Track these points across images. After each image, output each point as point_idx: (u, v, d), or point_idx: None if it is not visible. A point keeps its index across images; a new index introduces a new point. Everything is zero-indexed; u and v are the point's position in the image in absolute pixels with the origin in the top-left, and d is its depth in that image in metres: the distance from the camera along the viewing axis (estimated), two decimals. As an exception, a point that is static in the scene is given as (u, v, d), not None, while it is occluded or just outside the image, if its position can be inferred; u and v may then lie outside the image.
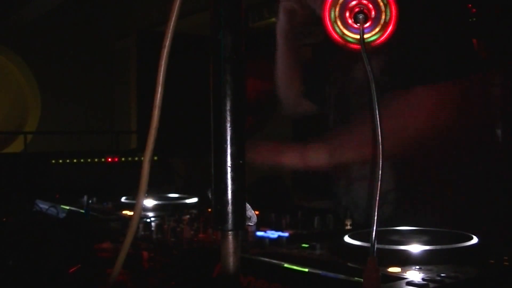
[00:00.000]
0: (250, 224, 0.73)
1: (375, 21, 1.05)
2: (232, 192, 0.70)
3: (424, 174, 1.54)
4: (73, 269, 1.20)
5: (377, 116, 0.86)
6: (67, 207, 1.72)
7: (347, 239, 1.08)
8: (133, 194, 1.15)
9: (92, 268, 1.21)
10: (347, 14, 1.07)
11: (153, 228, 1.30)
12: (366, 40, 1.03)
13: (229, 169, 0.70)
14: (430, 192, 1.56)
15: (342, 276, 0.89)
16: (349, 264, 0.98)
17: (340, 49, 1.13)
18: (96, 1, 6.39)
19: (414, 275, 0.89)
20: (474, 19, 2.41)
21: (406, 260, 0.97)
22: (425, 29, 1.46)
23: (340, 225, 1.37)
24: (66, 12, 6.11)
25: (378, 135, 0.85)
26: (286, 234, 1.21)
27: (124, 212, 1.59)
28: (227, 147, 0.70)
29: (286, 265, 0.96)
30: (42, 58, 6.26)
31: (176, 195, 1.87)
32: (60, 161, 2.96)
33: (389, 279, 0.87)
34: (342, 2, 1.07)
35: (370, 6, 1.05)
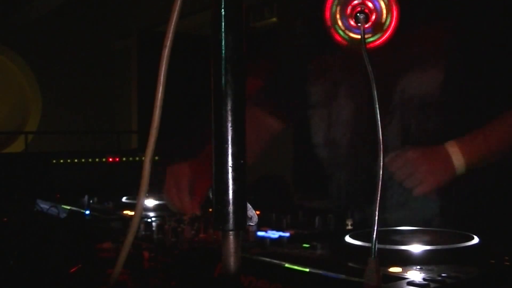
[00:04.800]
0: (251, 224, 0.73)
1: (376, 21, 1.05)
2: (233, 192, 0.70)
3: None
4: (74, 269, 1.20)
5: (378, 116, 0.86)
6: (68, 207, 1.72)
7: (348, 239, 1.08)
8: (134, 194, 1.15)
9: (93, 268, 1.21)
10: (348, 14, 1.07)
11: (154, 228, 1.30)
12: (367, 40, 1.03)
13: (230, 169, 0.70)
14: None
15: (343, 276, 0.89)
16: (350, 264, 0.98)
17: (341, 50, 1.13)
18: (96, 1, 6.39)
19: (415, 275, 0.89)
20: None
21: (407, 260, 0.97)
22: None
23: (341, 225, 1.37)
24: (67, 12, 6.11)
25: (379, 135, 0.85)
26: (287, 234, 1.21)
27: (125, 212, 1.60)
28: (228, 147, 0.70)
29: (287, 265, 0.96)
30: (43, 58, 6.26)
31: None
32: (61, 161, 2.96)
33: (390, 279, 0.87)
34: (343, 2, 1.07)
35: (371, 6, 1.05)
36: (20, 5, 5.68)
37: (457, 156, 1.38)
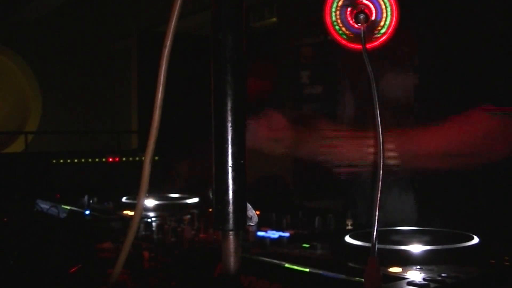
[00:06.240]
0: (251, 224, 0.73)
1: (376, 21, 1.05)
2: (233, 192, 0.70)
3: (425, 174, 1.54)
4: (74, 269, 1.20)
5: (378, 116, 0.86)
6: (68, 207, 1.72)
7: (348, 239, 1.08)
8: (134, 194, 1.15)
9: (93, 268, 1.21)
10: (348, 14, 1.07)
11: (154, 228, 1.30)
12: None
13: (230, 169, 0.70)
14: (431, 192, 1.56)
15: (343, 276, 0.89)
16: (350, 264, 0.98)
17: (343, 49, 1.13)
18: (96, 1, 6.39)
19: (415, 275, 0.89)
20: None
21: (407, 260, 0.97)
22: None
23: (341, 225, 1.37)
24: (67, 12, 6.11)
25: (379, 135, 0.85)
26: (287, 234, 1.21)
27: (125, 212, 1.60)
28: (228, 147, 0.70)
29: (287, 265, 0.96)
30: (43, 58, 6.26)
31: (177, 195, 1.87)
32: (61, 161, 2.96)
33: (390, 279, 0.87)
34: (343, 2, 1.07)
35: (371, 6, 1.05)
36: (20, 5, 5.68)
37: None
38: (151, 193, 1.58)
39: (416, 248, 0.99)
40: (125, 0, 6.43)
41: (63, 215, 1.68)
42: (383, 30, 1.12)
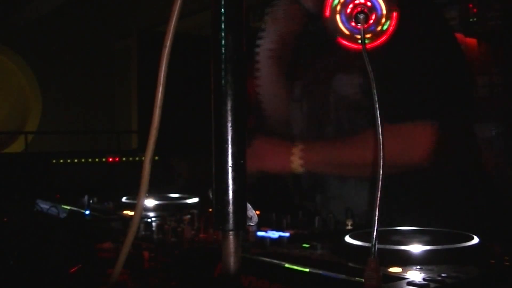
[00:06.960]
0: (251, 224, 0.73)
1: (376, 22, 1.05)
2: (233, 192, 0.70)
3: (424, 174, 1.54)
4: (74, 269, 1.20)
5: (378, 116, 0.86)
6: (68, 207, 1.72)
7: (348, 239, 1.08)
8: (134, 194, 1.15)
9: (93, 268, 1.21)
10: (348, 14, 1.07)
11: (154, 228, 1.30)
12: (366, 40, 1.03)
13: (230, 169, 0.70)
14: (431, 193, 1.56)
15: (343, 276, 0.89)
16: (350, 264, 0.98)
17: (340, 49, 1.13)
18: (96, 1, 6.39)
19: (415, 275, 0.89)
20: (475, 19, 2.41)
21: (407, 260, 0.96)
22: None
23: (341, 225, 1.37)
24: (67, 12, 6.12)
25: (379, 135, 0.85)
26: (287, 234, 1.21)
27: (125, 212, 1.59)
28: (228, 147, 0.70)
29: (287, 265, 0.96)
30: (43, 58, 6.27)
31: (177, 195, 1.87)
32: (61, 161, 2.97)
33: (390, 279, 0.87)
34: (343, 2, 1.07)
35: (371, 6, 1.05)
36: (20, 5, 5.68)
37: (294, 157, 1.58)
38: (151, 193, 1.58)
39: (416, 248, 0.99)
40: (125, 0, 6.43)
41: (63, 215, 1.68)
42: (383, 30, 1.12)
